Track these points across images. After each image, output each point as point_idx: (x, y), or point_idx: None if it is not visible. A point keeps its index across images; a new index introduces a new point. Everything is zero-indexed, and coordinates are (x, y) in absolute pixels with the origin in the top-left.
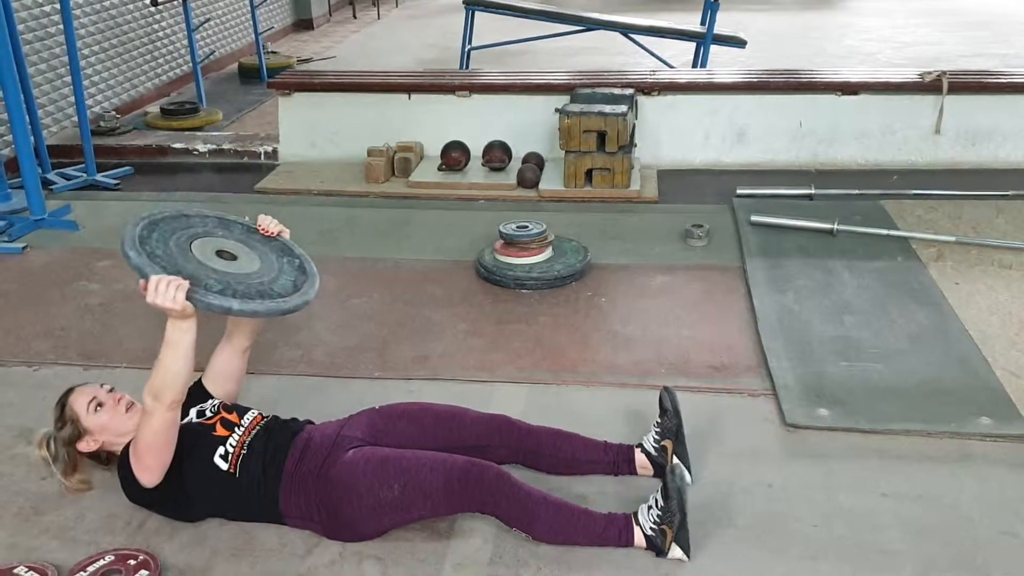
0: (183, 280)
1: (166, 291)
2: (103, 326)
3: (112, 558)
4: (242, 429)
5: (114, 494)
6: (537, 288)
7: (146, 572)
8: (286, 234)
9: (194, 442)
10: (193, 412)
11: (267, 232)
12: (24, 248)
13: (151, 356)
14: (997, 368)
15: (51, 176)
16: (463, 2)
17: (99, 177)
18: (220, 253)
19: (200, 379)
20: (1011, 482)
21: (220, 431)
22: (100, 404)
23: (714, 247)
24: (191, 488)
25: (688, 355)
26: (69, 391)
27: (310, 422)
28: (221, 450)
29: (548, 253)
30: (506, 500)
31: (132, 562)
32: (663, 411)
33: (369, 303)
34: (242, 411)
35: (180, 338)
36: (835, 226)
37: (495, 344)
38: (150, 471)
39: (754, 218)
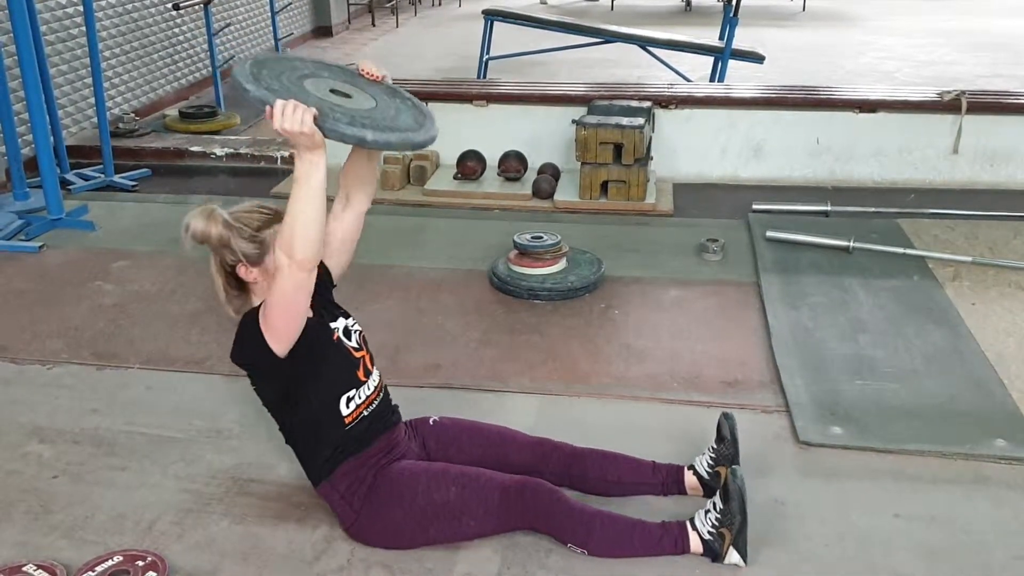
0: (310, 107)
1: (293, 115)
2: (117, 326)
3: (120, 558)
4: (372, 386)
5: (123, 494)
6: (550, 299)
7: (154, 574)
8: (389, 79)
9: (338, 365)
10: (340, 324)
11: (372, 76)
12: (41, 247)
13: (163, 357)
14: (1013, 390)
15: (69, 176)
16: (482, 12)
17: (117, 178)
18: (334, 91)
19: None
20: None
21: (360, 375)
22: None
23: (729, 262)
24: (306, 402)
25: (701, 370)
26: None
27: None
28: (352, 393)
29: (562, 264)
30: (561, 516)
31: (140, 563)
32: (720, 438)
33: (382, 310)
34: (372, 359)
35: (310, 172)
36: (851, 243)
37: (507, 354)
38: (277, 336)
39: (770, 234)
